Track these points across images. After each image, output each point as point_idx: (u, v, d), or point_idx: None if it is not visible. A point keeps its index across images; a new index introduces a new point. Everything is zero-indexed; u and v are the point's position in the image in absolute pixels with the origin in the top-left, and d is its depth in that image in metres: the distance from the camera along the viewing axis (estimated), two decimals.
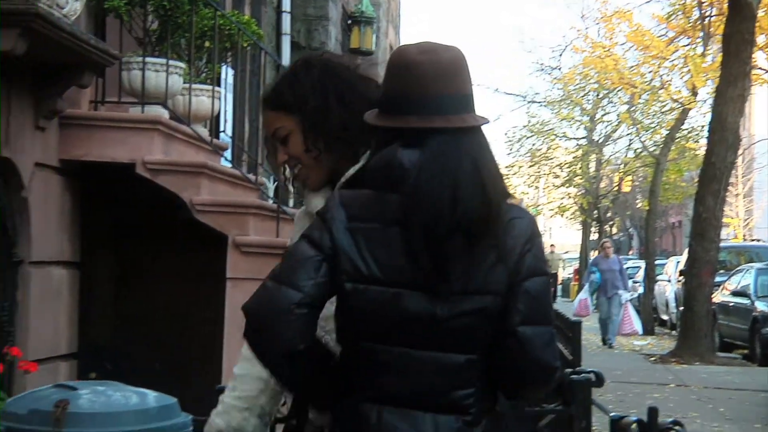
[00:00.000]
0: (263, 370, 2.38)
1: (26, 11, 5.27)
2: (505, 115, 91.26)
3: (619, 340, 17.79)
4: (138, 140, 6.79)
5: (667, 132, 23.43)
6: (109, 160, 6.75)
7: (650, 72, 22.73)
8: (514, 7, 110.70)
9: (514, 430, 2.27)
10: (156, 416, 3.68)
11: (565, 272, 40.06)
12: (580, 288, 21.98)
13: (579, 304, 18.53)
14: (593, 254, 24.07)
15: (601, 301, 17.81)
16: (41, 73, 6.09)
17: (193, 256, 7.23)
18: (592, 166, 33.49)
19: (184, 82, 7.39)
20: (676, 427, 2.93)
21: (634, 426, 3.03)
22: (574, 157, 33.17)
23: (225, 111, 9.20)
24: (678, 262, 21.47)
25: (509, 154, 32.88)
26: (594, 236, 37.05)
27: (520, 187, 33.60)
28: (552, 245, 39.28)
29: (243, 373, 2.57)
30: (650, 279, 21.48)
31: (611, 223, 43.52)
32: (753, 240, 31.69)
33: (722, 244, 17.90)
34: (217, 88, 7.92)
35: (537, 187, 36.49)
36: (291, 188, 2.61)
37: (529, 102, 31.87)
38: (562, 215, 37.50)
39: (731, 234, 37.50)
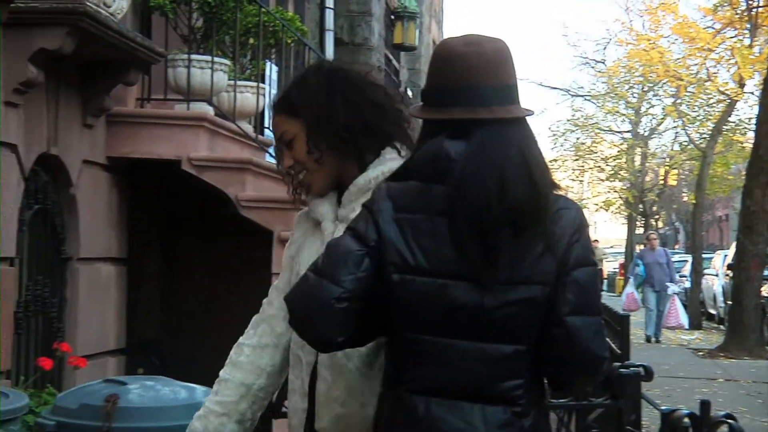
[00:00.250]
0: (247, 377, 2.53)
1: (74, 10, 5.32)
2: (550, 109, 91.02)
3: (667, 335, 17.57)
4: (183, 137, 6.84)
5: (714, 124, 23.14)
6: (156, 157, 6.81)
7: (696, 64, 22.48)
8: (556, 1, 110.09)
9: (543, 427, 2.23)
10: None
11: (608, 267, 39.68)
12: (626, 282, 21.77)
13: (627, 298, 18.22)
14: (638, 248, 23.84)
15: (648, 294, 17.58)
16: (88, 71, 6.14)
17: (240, 251, 7.27)
18: (638, 159, 33.14)
19: (229, 79, 7.44)
20: (729, 421, 2.88)
21: (686, 420, 2.99)
22: (619, 151, 32.80)
23: (269, 107, 9.23)
24: (725, 255, 21.24)
25: (553, 148, 32.60)
26: (640, 230, 36.67)
27: (565, 181, 33.26)
28: (596, 240, 38.90)
29: (226, 378, 2.62)
30: (697, 273, 21.27)
31: (657, 217, 43.10)
32: None
33: None
34: (261, 85, 7.95)
35: (581, 182, 36.12)
36: (294, 195, 2.59)
37: (573, 96, 31.68)
38: (607, 210, 37.11)
39: None
